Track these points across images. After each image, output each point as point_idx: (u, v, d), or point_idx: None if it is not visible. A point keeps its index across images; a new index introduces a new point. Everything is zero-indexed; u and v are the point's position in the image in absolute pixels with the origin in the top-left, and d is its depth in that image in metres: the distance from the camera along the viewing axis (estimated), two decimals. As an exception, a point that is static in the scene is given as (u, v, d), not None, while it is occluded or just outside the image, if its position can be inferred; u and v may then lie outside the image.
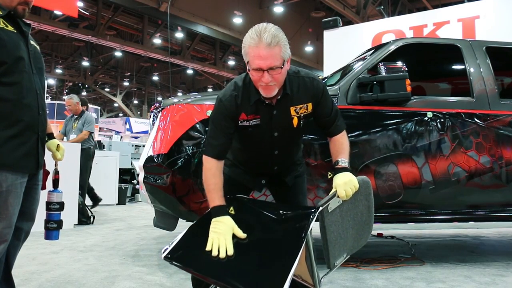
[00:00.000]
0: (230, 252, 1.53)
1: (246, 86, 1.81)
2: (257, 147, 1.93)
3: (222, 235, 1.57)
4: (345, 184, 1.67)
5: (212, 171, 1.77)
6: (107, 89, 30.83)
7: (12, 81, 1.74)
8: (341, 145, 1.87)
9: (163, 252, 1.64)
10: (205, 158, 1.81)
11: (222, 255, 1.52)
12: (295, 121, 1.85)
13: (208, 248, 1.55)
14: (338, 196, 1.65)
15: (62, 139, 6.07)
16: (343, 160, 1.80)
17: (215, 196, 1.72)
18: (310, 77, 1.86)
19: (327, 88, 3.13)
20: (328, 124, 1.91)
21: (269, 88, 1.70)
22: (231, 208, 1.73)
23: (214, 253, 1.53)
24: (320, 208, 1.59)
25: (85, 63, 25.98)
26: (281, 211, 1.78)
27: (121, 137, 16.08)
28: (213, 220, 1.64)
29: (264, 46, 1.62)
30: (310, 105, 1.85)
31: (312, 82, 1.85)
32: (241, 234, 1.61)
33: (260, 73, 1.66)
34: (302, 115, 1.85)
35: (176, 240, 1.68)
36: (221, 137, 1.80)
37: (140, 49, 20.14)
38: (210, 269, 1.53)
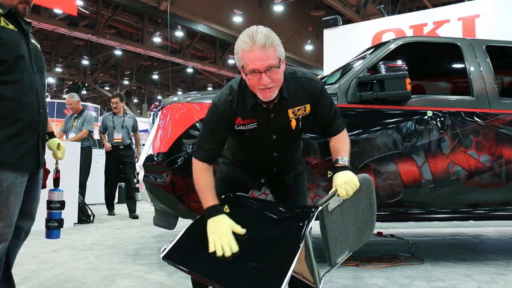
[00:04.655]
0: (235, 249, 1.51)
1: (242, 90, 1.77)
2: (255, 150, 1.92)
3: (223, 234, 1.55)
4: (346, 183, 1.65)
5: (202, 173, 1.77)
6: (107, 88, 30.79)
7: (12, 80, 1.74)
8: (341, 144, 1.85)
9: (162, 252, 1.63)
10: (194, 161, 1.81)
11: (228, 253, 1.50)
12: (293, 124, 1.82)
13: (211, 249, 1.52)
14: (338, 195, 1.65)
15: (62, 138, 6.08)
16: (343, 158, 1.77)
17: (208, 196, 1.71)
18: (307, 78, 1.82)
19: (327, 86, 3.18)
20: (328, 124, 1.89)
21: (269, 91, 1.67)
22: (226, 207, 1.72)
23: (219, 253, 1.50)
24: (320, 208, 1.59)
25: (85, 62, 25.93)
26: (280, 211, 1.78)
27: (121, 136, 16.03)
28: (209, 220, 1.62)
29: (259, 48, 1.59)
30: (308, 106, 1.82)
31: (310, 82, 1.82)
32: (240, 230, 1.59)
33: (257, 76, 1.62)
34: (300, 116, 1.82)
35: (175, 240, 1.67)
36: (212, 141, 1.79)
37: (140, 47, 20.11)
38: (208, 269, 1.52)
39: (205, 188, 1.73)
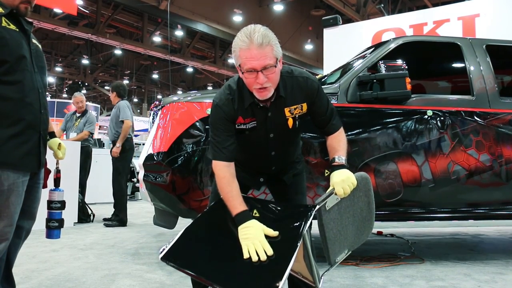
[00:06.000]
0: (270, 252, 1.49)
1: (240, 89, 1.78)
2: (254, 149, 1.92)
3: (256, 238, 1.53)
4: (343, 181, 1.66)
5: (226, 179, 1.73)
6: (107, 87, 30.76)
7: (14, 80, 1.75)
8: (337, 143, 1.86)
9: (160, 253, 1.63)
10: (216, 165, 1.77)
11: (263, 257, 1.47)
12: (290, 122, 1.83)
13: (245, 256, 1.50)
14: (336, 194, 1.65)
15: (62, 137, 6.07)
16: (340, 157, 1.78)
17: (235, 203, 1.67)
18: (304, 77, 1.83)
19: (327, 86, 3.19)
20: (324, 123, 1.89)
21: (265, 90, 1.67)
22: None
23: (254, 258, 1.48)
24: (317, 207, 1.59)
25: (85, 61, 25.92)
26: (278, 210, 1.78)
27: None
28: (240, 227, 1.60)
29: (256, 47, 1.60)
30: (305, 105, 1.83)
31: (306, 81, 1.82)
32: (272, 233, 1.56)
33: (254, 74, 1.63)
34: (297, 115, 1.83)
35: (173, 240, 1.67)
36: (226, 139, 1.77)
37: (140, 47, 20.11)
38: (207, 270, 1.52)
39: (230, 196, 1.70)
